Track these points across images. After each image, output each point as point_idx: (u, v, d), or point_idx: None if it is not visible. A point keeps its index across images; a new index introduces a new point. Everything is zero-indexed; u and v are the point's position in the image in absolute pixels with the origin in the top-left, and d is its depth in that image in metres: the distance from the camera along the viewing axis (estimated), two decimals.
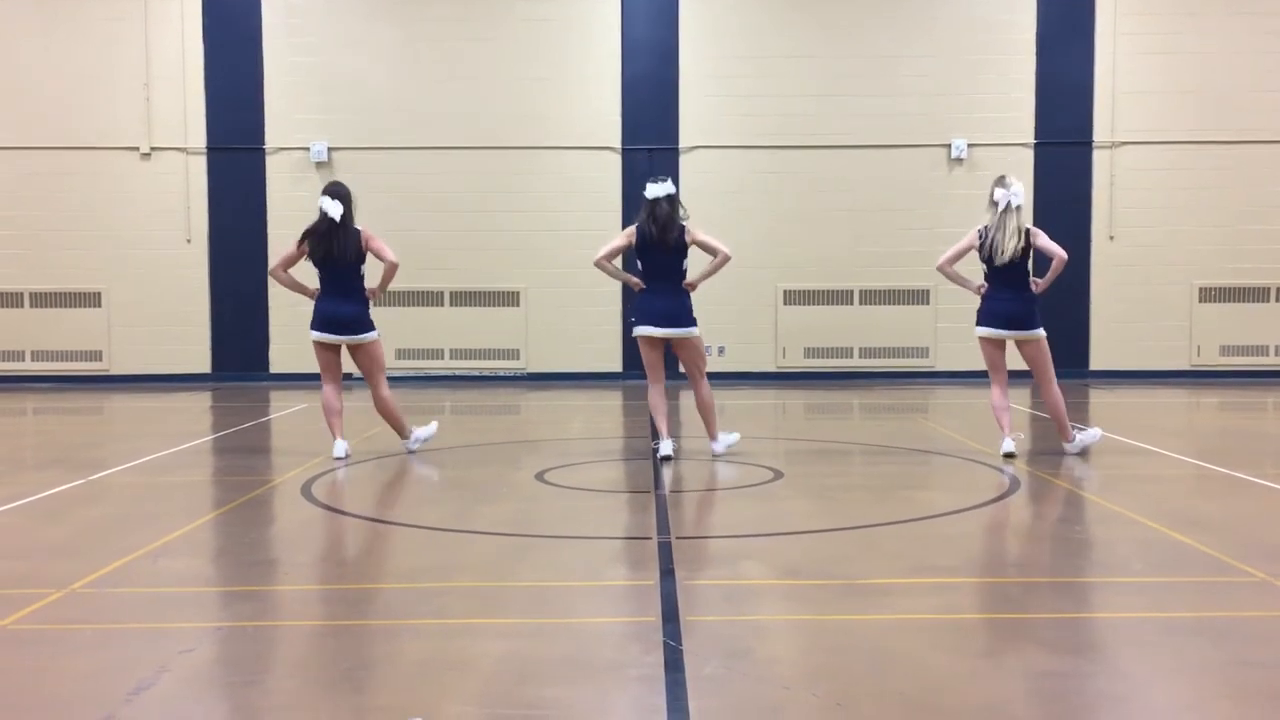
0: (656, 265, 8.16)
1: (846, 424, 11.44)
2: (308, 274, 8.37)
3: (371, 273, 8.33)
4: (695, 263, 8.24)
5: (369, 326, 8.33)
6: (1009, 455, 8.11)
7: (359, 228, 8.28)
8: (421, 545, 5.72)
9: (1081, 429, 8.51)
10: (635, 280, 8.25)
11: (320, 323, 8.26)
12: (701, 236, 8.15)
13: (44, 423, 11.95)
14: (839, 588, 4.76)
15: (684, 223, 8.13)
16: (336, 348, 8.36)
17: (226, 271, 15.17)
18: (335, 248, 8.15)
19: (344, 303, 8.23)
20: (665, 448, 8.13)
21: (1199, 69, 15.02)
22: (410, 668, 3.78)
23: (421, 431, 8.65)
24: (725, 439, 8.39)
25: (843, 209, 15.18)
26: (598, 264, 8.26)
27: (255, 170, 15.13)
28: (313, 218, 8.31)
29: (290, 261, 8.34)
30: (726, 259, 8.16)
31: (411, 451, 8.51)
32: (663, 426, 8.25)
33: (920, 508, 6.62)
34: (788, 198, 15.15)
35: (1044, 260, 8.23)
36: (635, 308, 8.33)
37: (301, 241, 8.24)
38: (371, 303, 8.37)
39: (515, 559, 5.35)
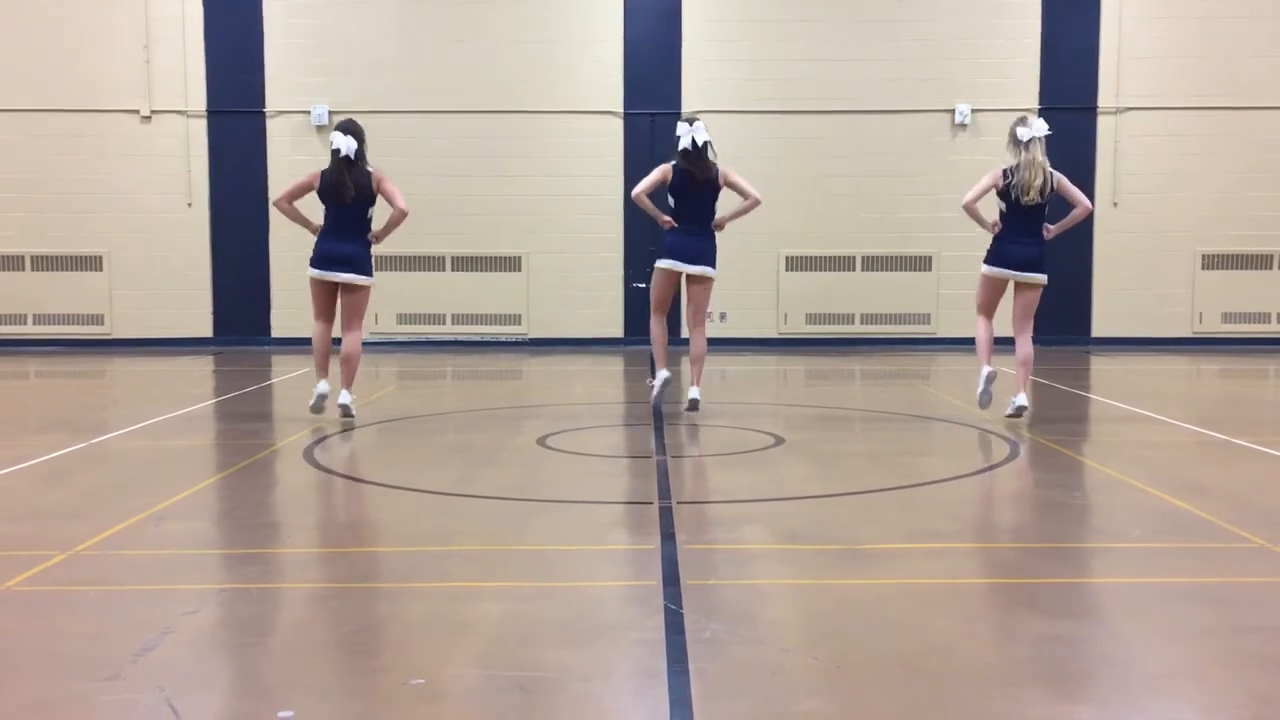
0: (690, 205, 8.43)
1: (847, 390, 11.45)
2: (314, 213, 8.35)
3: (379, 217, 8.26)
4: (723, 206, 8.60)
5: (367, 270, 8.21)
6: (990, 377, 8.08)
7: (371, 169, 8.18)
8: (423, 509, 5.74)
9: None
10: (667, 219, 8.49)
11: (320, 259, 8.12)
12: (735, 178, 8.48)
13: (46, 386, 11.97)
14: (839, 552, 4.78)
15: (717, 164, 8.47)
16: (334, 289, 8.20)
17: (228, 235, 15.13)
18: (344, 185, 8.03)
19: (345, 241, 8.11)
20: (663, 376, 8.41)
21: (1205, 34, 14.90)
22: (412, 630, 3.80)
23: (349, 397, 8.22)
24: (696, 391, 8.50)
25: (845, 174, 15.12)
26: (637, 198, 8.51)
27: (256, 134, 15.05)
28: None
29: (298, 192, 8.21)
30: (757, 202, 8.52)
31: (345, 409, 8.11)
32: (662, 358, 8.55)
33: (920, 473, 6.63)
34: (790, 163, 15.07)
35: (1060, 206, 8.18)
36: (664, 244, 8.56)
37: (314, 174, 8.16)
38: (372, 246, 8.28)
39: (517, 523, 5.38)
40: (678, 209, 8.45)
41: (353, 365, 8.25)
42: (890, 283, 15.20)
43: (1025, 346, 8.25)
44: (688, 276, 8.51)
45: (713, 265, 8.52)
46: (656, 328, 8.64)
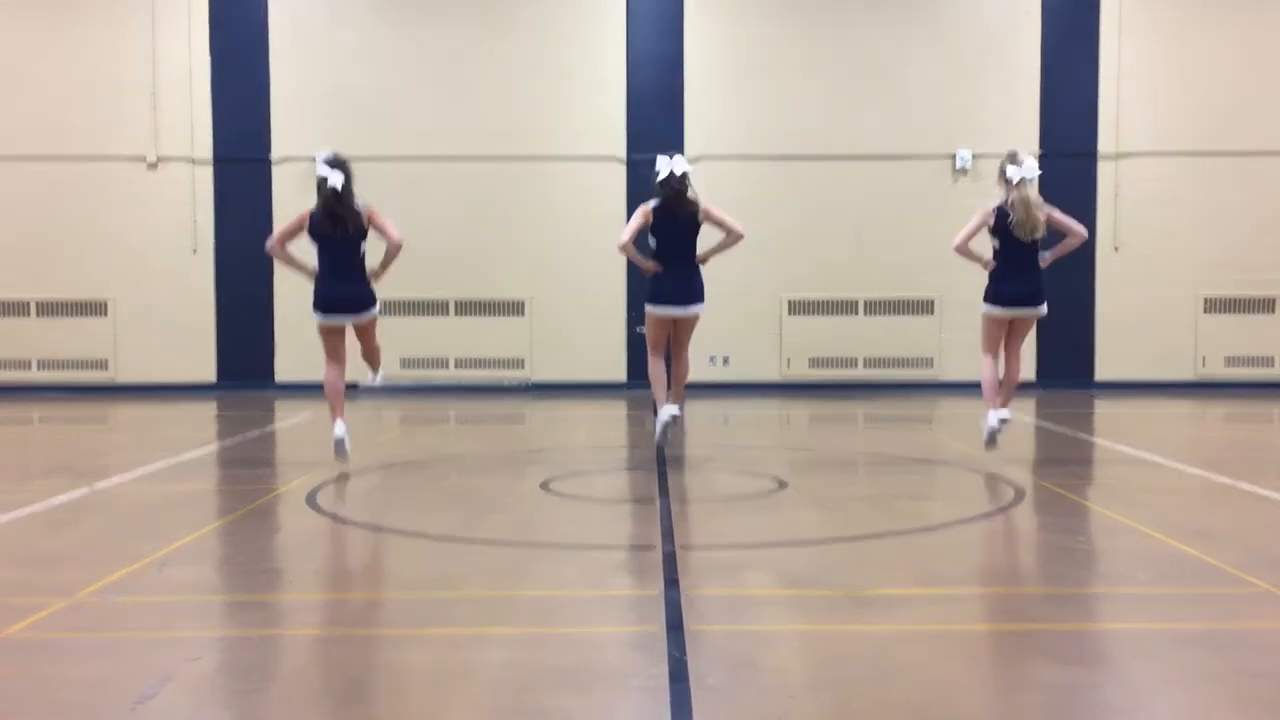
0: (672, 244, 8.31)
1: (851, 434, 11.43)
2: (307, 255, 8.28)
3: (373, 252, 8.14)
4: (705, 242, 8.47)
5: (371, 302, 8.13)
6: (996, 429, 8.06)
7: (360, 204, 8.07)
8: (426, 555, 5.72)
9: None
10: (652, 265, 8.38)
11: (324, 305, 8.04)
12: (716, 213, 8.33)
13: (49, 431, 11.96)
14: (843, 598, 4.75)
15: (698, 199, 8.30)
16: (342, 328, 8.18)
17: (232, 281, 15.19)
18: (336, 221, 7.90)
19: (346, 283, 8.01)
20: (666, 413, 8.27)
21: (1204, 81, 15.02)
22: (415, 677, 3.78)
23: (379, 376, 8.76)
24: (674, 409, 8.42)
25: (847, 219, 15.19)
26: (623, 248, 8.37)
27: (261, 180, 15.16)
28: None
29: (290, 233, 8.10)
30: (739, 237, 8.36)
31: (378, 382, 8.66)
32: (662, 395, 8.42)
33: (924, 518, 6.61)
34: (792, 208, 15.15)
35: (1052, 235, 8.18)
36: (652, 288, 8.46)
37: (303, 215, 8.07)
38: (374, 282, 8.21)
39: (520, 569, 5.35)
40: (660, 249, 8.32)
41: (376, 358, 8.53)
42: (893, 327, 15.22)
43: (1015, 366, 8.28)
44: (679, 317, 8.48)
45: (703, 301, 8.46)
46: (655, 367, 8.53)
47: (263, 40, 15.10)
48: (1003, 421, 8.14)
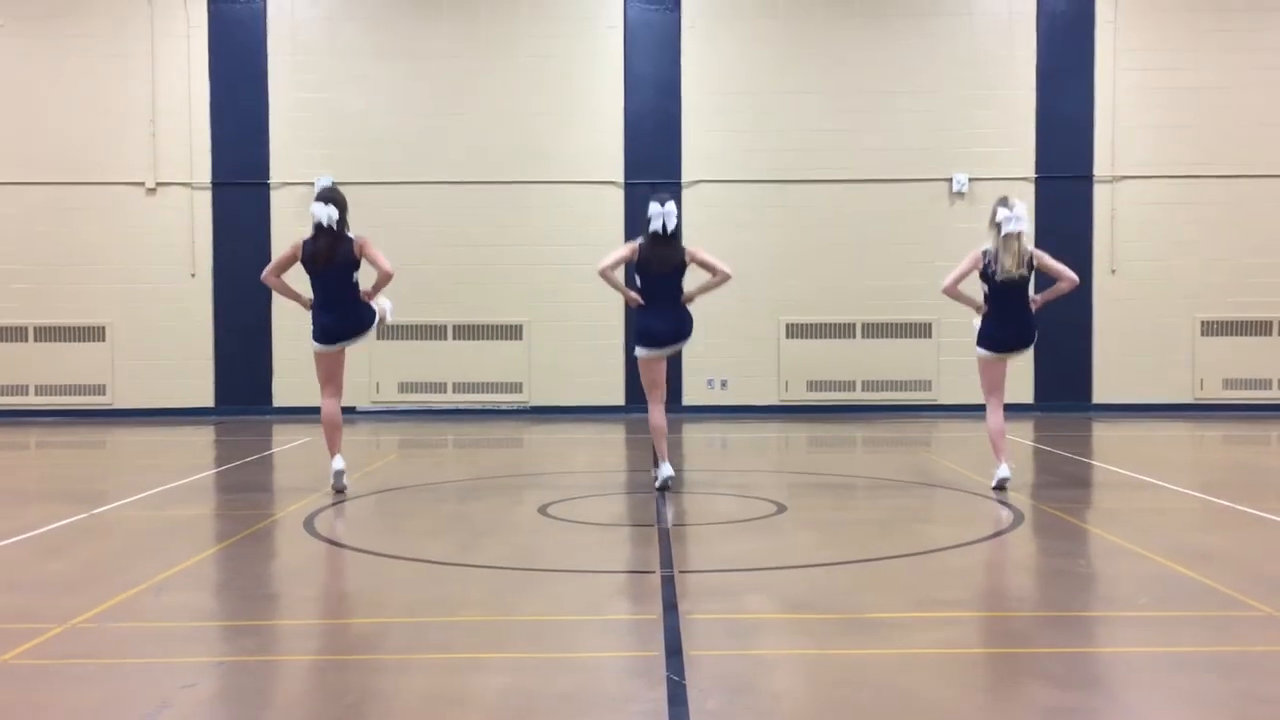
0: (656, 283, 8.25)
1: (850, 457, 11.42)
2: (303, 285, 8.30)
3: (366, 279, 8.21)
4: (691, 280, 8.37)
5: (369, 322, 8.21)
6: (1003, 482, 8.08)
7: (352, 235, 8.13)
8: (423, 579, 5.70)
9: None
10: (634, 296, 8.33)
11: (323, 335, 8.14)
12: (703, 255, 8.26)
13: (47, 456, 11.94)
14: (843, 622, 4.74)
15: (682, 241, 8.27)
16: (341, 352, 8.27)
17: (231, 306, 15.20)
18: (328, 254, 7.98)
19: (342, 311, 8.09)
20: (665, 470, 8.20)
21: (1199, 103, 15.09)
22: (412, 703, 3.76)
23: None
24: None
25: (845, 243, 15.23)
26: (601, 273, 8.29)
27: (260, 205, 15.19)
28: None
29: (284, 265, 8.19)
30: (726, 277, 8.27)
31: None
32: (663, 450, 8.32)
33: (924, 541, 6.60)
34: (790, 231, 15.19)
35: (1045, 279, 8.21)
36: (638, 329, 8.40)
37: (296, 245, 8.13)
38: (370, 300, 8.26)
39: (517, 593, 5.34)
40: (645, 287, 8.25)
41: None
42: (891, 350, 15.24)
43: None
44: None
45: (691, 333, 8.39)
46: (657, 416, 8.35)
47: (261, 66, 15.16)
48: (1001, 478, 8.13)
